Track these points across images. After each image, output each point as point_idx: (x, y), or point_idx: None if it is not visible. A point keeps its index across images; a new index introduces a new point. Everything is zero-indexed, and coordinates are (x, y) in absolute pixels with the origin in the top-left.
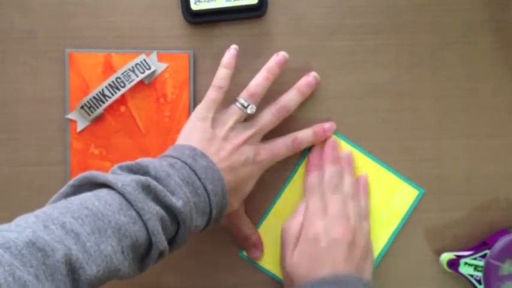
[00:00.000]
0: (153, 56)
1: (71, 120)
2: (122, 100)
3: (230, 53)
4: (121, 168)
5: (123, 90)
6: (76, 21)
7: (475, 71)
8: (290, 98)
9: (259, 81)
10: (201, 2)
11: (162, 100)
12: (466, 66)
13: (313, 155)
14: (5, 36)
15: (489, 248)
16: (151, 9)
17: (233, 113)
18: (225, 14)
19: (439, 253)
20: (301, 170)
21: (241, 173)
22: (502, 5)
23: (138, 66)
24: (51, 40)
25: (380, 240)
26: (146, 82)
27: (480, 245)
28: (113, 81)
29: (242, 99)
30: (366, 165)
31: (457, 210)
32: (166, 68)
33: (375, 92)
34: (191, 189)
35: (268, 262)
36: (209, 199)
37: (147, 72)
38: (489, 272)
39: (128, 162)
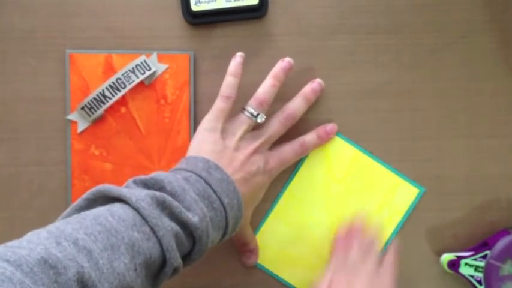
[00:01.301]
0: (154, 56)
1: (71, 121)
2: (123, 101)
3: (236, 61)
4: (135, 182)
5: (123, 91)
6: (76, 21)
7: (475, 71)
8: (296, 105)
9: (266, 88)
10: (202, 2)
11: (162, 101)
12: (466, 66)
13: (340, 235)
14: (5, 36)
15: (490, 249)
16: (152, 9)
17: (242, 123)
18: (226, 15)
19: (439, 253)
20: (301, 172)
21: (253, 183)
22: (502, 5)
23: (138, 67)
24: (51, 40)
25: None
26: (146, 83)
27: (481, 246)
28: (113, 82)
29: (251, 108)
30: (367, 165)
31: (457, 210)
32: (167, 68)
33: (375, 92)
34: (207, 203)
35: (269, 262)
36: (225, 213)
37: (148, 73)
38: (490, 272)
39: (143, 176)
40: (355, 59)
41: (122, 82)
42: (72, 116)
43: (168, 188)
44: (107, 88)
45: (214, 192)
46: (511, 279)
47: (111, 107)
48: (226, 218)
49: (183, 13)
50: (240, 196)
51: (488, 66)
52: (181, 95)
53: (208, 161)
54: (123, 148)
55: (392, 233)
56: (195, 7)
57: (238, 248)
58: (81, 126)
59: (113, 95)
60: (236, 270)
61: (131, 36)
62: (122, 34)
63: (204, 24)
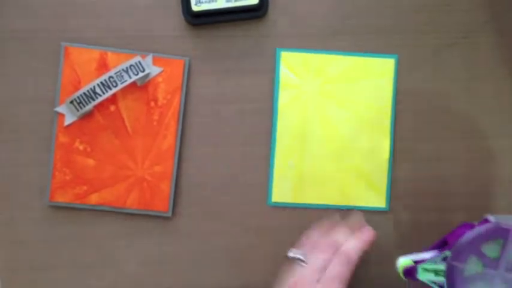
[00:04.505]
0: (148, 58)
1: (59, 113)
2: (113, 99)
3: None
4: None
5: (114, 90)
6: (76, 21)
7: (476, 72)
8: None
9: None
10: (202, 2)
11: (152, 104)
12: (467, 67)
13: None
14: (5, 36)
15: (450, 248)
16: (152, 10)
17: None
18: (226, 15)
19: None
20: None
21: None
22: (503, 6)
23: (132, 67)
24: (51, 40)
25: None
26: (139, 84)
27: (440, 245)
28: (105, 80)
29: (291, 252)
30: (337, 64)
31: (456, 210)
32: (161, 72)
33: None
34: None
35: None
36: None
37: (141, 74)
38: (452, 276)
39: None
40: None
41: (114, 81)
42: (60, 109)
43: None
44: (98, 85)
45: None
46: (480, 278)
47: (100, 104)
48: None
49: (183, 13)
50: None
51: (489, 66)
52: (172, 99)
53: None
54: (107, 146)
55: (392, 113)
56: (195, 7)
57: None
58: (68, 120)
59: (103, 93)
60: (237, 272)
61: (131, 36)
62: (122, 34)
63: (204, 25)
